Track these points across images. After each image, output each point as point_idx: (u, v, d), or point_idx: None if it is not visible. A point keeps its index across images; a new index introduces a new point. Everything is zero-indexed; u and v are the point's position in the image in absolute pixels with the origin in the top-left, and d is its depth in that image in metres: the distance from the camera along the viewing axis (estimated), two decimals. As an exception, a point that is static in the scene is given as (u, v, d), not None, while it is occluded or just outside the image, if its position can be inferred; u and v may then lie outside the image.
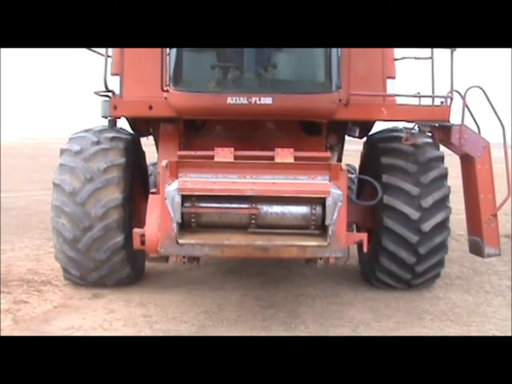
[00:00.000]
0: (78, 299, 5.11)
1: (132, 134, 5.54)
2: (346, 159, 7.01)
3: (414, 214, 5.01)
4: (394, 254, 5.13)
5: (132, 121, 5.65)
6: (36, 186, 12.86)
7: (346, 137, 6.11)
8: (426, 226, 5.03)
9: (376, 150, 5.40)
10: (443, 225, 5.12)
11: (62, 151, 5.15)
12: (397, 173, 5.11)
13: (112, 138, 5.16)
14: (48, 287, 5.44)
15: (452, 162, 5.69)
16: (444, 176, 5.19)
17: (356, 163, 6.59)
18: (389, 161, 5.19)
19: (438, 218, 5.07)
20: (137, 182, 5.58)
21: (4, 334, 4.27)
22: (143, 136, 6.13)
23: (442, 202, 5.12)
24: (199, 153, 4.60)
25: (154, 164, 6.67)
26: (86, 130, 5.34)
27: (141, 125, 5.74)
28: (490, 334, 4.45)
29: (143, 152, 5.97)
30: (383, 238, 5.13)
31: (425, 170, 5.10)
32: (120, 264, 5.15)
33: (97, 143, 5.08)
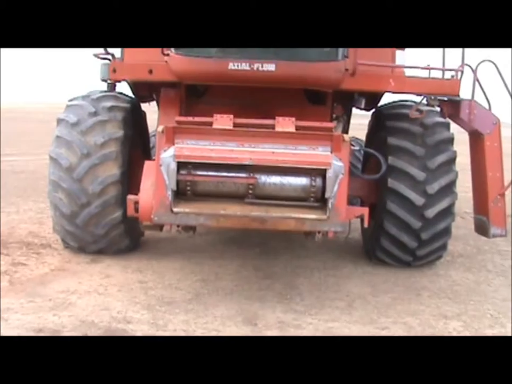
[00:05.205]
0: (76, 263, 5.12)
1: (131, 99, 5.38)
2: (356, 133, 6.88)
3: (419, 200, 4.87)
4: (396, 237, 5.03)
5: (133, 85, 5.53)
6: (46, 150, 12.81)
7: (357, 111, 5.95)
8: (431, 212, 4.90)
9: (384, 128, 5.24)
10: (448, 211, 4.98)
11: (59, 121, 5.01)
12: (404, 156, 4.93)
13: (111, 108, 4.98)
14: (47, 250, 5.46)
15: (460, 141, 5.54)
16: (452, 160, 5.01)
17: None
18: (396, 142, 5.00)
19: (443, 204, 4.93)
20: (138, 150, 5.47)
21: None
22: (146, 101, 6.02)
23: (449, 188, 4.96)
24: (197, 119, 4.48)
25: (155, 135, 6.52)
26: (83, 97, 5.16)
27: (143, 90, 5.61)
28: (487, 313, 4.39)
29: (145, 116, 5.82)
30: (385, 221, 5.02)
31: (433, 154, 4.92)
32: (118, 237, 5.13)
33: (95, 114, 4.92)
